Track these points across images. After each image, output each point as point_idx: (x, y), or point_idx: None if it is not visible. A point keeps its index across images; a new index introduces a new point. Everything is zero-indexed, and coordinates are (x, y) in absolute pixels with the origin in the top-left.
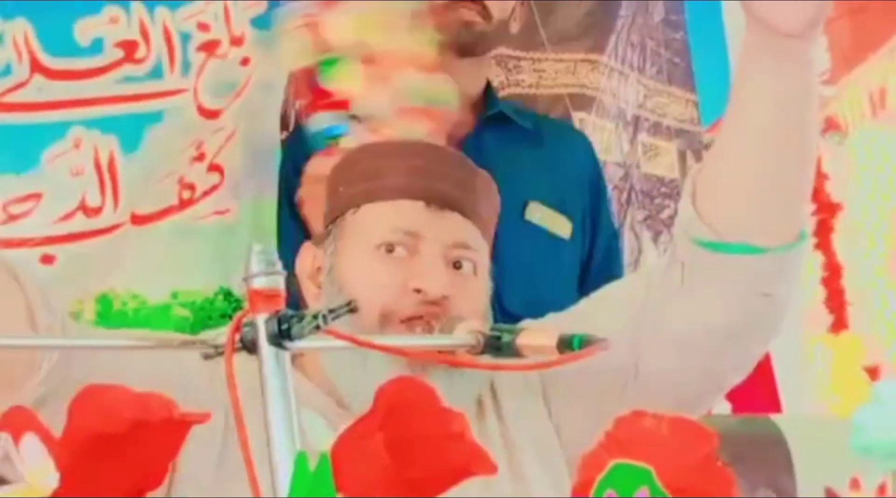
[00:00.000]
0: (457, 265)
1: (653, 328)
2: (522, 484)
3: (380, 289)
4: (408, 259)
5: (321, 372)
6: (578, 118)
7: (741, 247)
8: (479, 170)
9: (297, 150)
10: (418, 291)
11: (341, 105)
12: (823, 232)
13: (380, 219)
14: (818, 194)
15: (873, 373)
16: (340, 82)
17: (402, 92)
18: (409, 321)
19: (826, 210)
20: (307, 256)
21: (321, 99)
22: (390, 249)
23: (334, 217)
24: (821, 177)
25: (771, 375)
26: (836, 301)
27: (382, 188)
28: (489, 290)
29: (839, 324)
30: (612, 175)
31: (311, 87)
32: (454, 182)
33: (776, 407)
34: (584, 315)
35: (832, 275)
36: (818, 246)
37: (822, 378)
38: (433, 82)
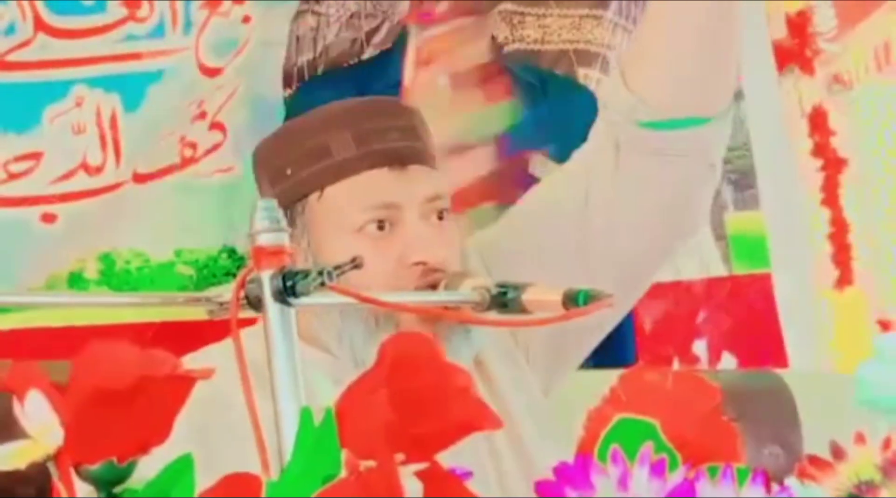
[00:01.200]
0: (440, 216)
1: (600, 218)
2: (520, 445)
3: (381, 270)
4: (394, 231)
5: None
6: (583, 74)
7: (690, 120)
8: (409, 106)
9: (299, 108)
10: (418, 263)
11: None
12: (830, 187)
13: (351, 198)
14: (824, 150)
15: (885, 326)
16: None
17: None
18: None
19: (833, 165)
20: None
21: None
22: (381, 226)
23: (292, 203)
24: (827, 131)
25: (778, 330)
26: (842, 257)
27: (339, 165)
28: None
29: (844, 279)
30: None
31: None
32: (403, 134)
33: (783, 362)
34: (532, 213)
35: (838, 230)
36: (825, 202)
37: (825, 334)
38: None
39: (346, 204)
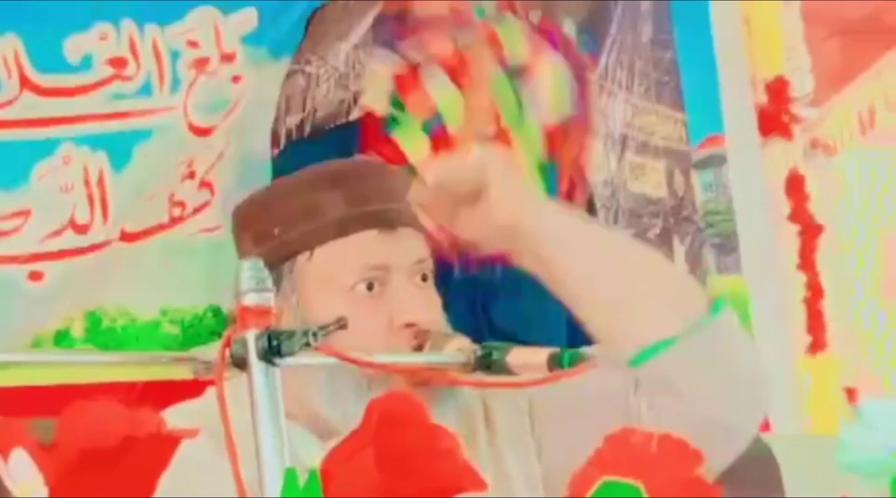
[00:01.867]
0: (424, 278)
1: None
2: None
3: (372, 331)
4: (384, 292)
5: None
6: None
7: (653, 348)
8: (393, 167)
9: (286, 167)
10: (409, 325)
11: (400, 159)
12: (807, 252)
13: (341, 259)
14: (801, 214)
15: (851, 394)
16: (407, 143)
17: None
18: None
19: (809, 231)
20: None
21: (385, 147)
22: (370, 286)
23: (279, 262)
24: (804, 196)
25: None
26: (815, 322)
27: (329, 226)
28: None
29: (817, 345)
30: (599, 194)
31: (378, 133)
32: (391, 196)
33: (765, 426)
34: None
35: (813, 295)
36: (801, 266)
37: (799, 399)
38: None
39: (337, 265)
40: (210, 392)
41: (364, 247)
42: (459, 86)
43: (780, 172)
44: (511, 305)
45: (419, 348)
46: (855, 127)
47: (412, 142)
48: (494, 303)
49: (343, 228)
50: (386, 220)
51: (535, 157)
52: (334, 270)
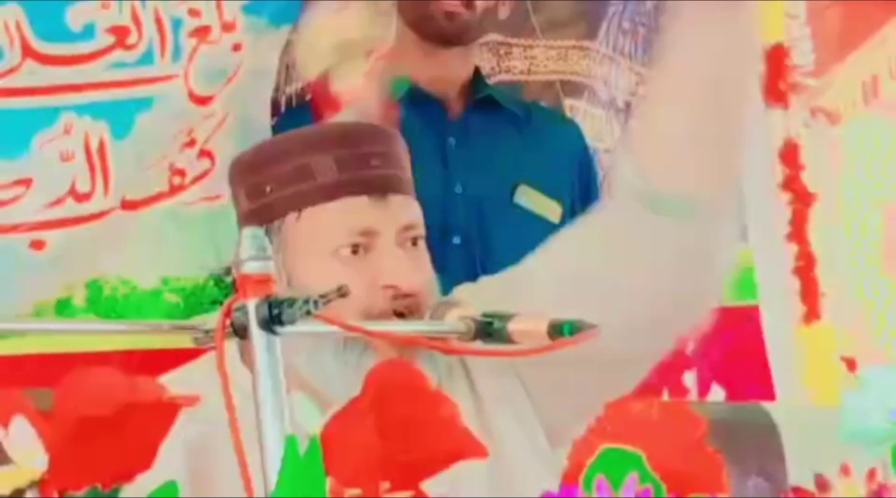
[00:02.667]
0: (414, 243)
1: (609, 280)
2: (503, 465)
3: (352, 294)
4: (369, 256)
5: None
6: (569, 105)
7: (685, 202)
8: (389, 130)
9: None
10: (389, 287)
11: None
12: (798, 222)
13: (329, 222)
14: (794, 184)
15: (850, 364)
16: (348, 82)
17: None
18: (387, 317)
19: (802, 200)
20: None
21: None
22: (355, 250)
23: (269, 220)
24: (798, 166)
25: (765, 363)
26: (809, 292)
27: (320, 189)
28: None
29: (812, 314)
30: (603, 162)
31: (328, 95)
32: (383, 161)
33: (770, 395)
34: (528, 277)
35: (806, 265)
36: (792, 237)
37: (799, 368)
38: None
39: (324, 227)
40: (206, 356)
41: (352, 212)
42: None
43: (775, 141)
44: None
45: (401, 313)
46: (858, 96)
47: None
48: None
49: (333, 192)
50: (377, 187)
51: None
52: (321, 233)
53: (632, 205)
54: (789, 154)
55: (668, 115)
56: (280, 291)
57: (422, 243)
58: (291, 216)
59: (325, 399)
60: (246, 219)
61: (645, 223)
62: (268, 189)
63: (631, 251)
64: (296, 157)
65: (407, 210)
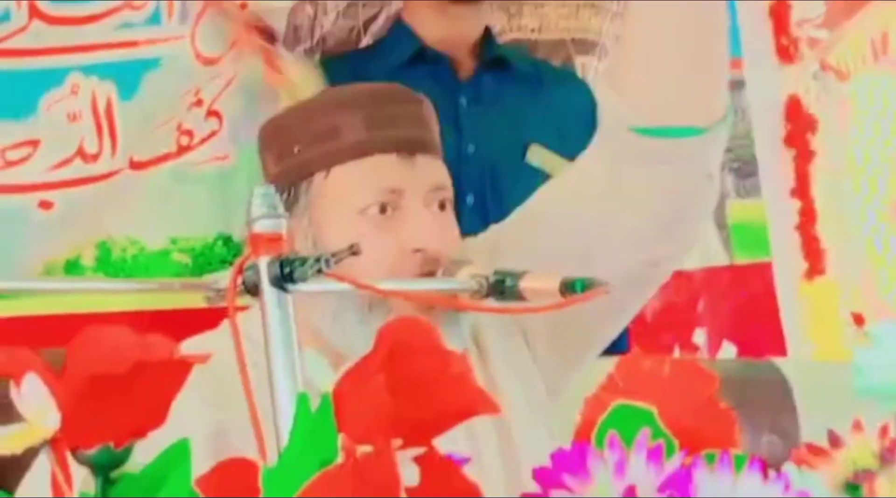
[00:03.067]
0: (442, 206)
1: (600, 226)
2: (509, 420)
3: (380, 254)
4: (396, 217)
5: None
6: (581, 63)
7: (686, 130)
8: (419, 96)
9: None
10: (418, 251)
11: None
12: (802, 178)
13: (356, 181)
14: (797, 139)
15: (858, 319)
16: None
17: None
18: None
19: (804, 156)
20: None
21: None
22: (383, 210)
23: (297, 180)
24: (802, 121)
25: (777, 319)
26: (811, 248)
27: (348, 147)
28: None
29: (814, 270)
30: None
31: None
32: (412, 122)
33: (781, 351)
34: (528, 222)
35: (807, 221)
36: (795, 192)
37: (802, 325)
38: None
39: (352, 185)
40: (225, 324)
41: (380, 170)
42: None
43: (781, 97)
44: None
45: (429, 276)
46: (868, 52)
47: None
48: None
49: (361, 150)
50: (405, 145)
51: None
52: (348, 191)
53: (615, 144)
54: (793, 109)
55: (647, 42)
56: (305, 250)
57: (450, 208)
58: (319, 175)
59: (339, 356)
60: (274, 182)
61: (627, 164)
62: (296, 149)
63: (616, 195)
64: (324, 117)
65: (435, 171)
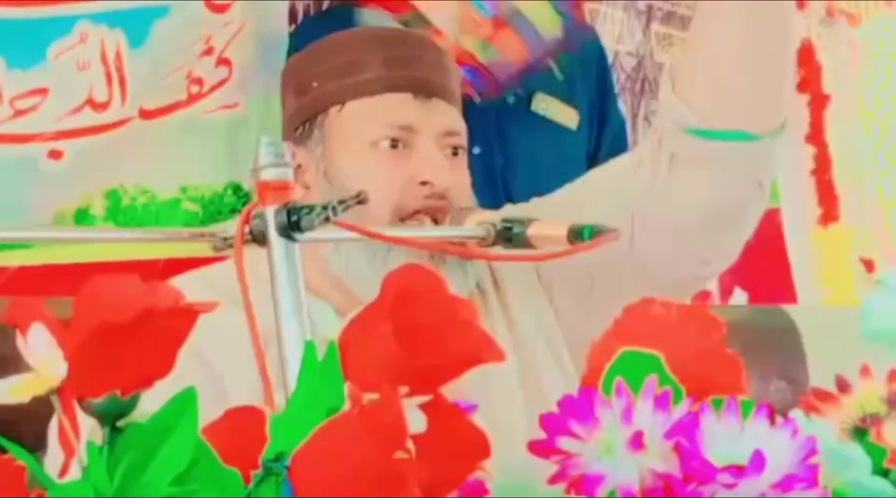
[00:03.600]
0: (454, 152)
1: (645, 215)
2: (530, 371)
3: (387, 186)
4: (407, 153)
5: (330, 282)
6: (590, 8)
7: (738, 134)
8: (443, 48)
9: (304, 43)
10: (425, 183)
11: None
12: (816, 123)
13: (370, 115)
14: (812, 85)
15: (868, 265)
16: None
17: None
18: (416, 214)
19: (818, 101)
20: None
21: None
22: (394, 144)
23: (313, 114)
24: (815, 67)
25: (787, 266)
26: (826, 193)
27: (365, 83)
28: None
29: (828, 216)
30: (624, 64)
31: None
32: (432, 68)
33: (792, 297)
34: (573, 202)
35: (822, 167)
36: (810, 138)
37: (813, 271)
38: None
39: (365, 119)
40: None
41: (395, 106)
42: None
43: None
44: (529, 181)
45: (434, 216)
46: None
47: None
48: (513, 179)
49: (377, 86)
50: (421, 87)
51: None
52: (361, 125)
53: (670, 143)
54: (806, 55)
55: (711, 45)
56: (316, 183)
57: (463, 155)
58: (334, 109)
59: (355, 299)
60: (291, 119)
61: (679, 164)
62: (314, 84)
63: (665, 192)
64: (344, 53)
65: (450, 116)
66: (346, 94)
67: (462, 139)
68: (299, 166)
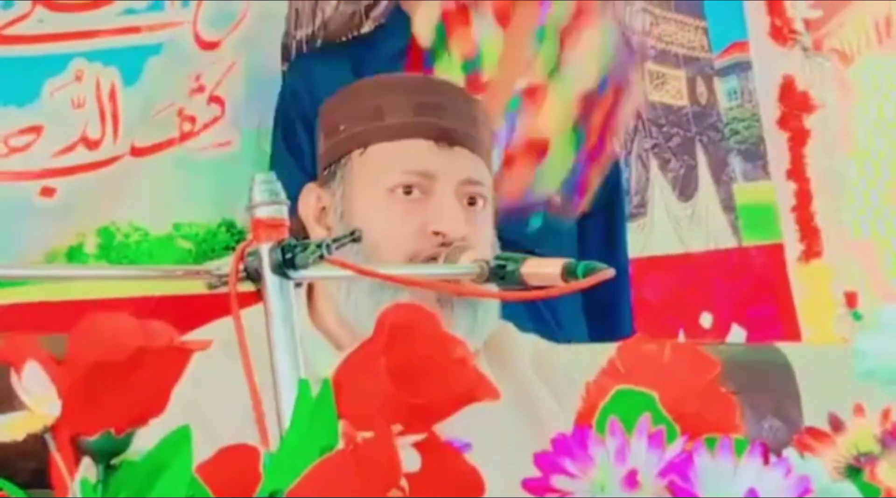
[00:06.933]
0: (471, 202)
1: None
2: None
3: (401, 233)
4: (423, 200)
5: (339, 322)
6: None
7: None
8: (476, 98)
9: (294, 80)
10: (437, 233)
11: None
12: (795, 160)
13: (391, 160)
14: (790, 121)
15: (851, 299)
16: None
17: None
18: (431, 261)
19: (798, 137)
20: (310, 197)
21: None
22: (408, 190)
23: (338, 157)
24: (796, 103)
25: (790, 302)
26: (807, 230)
27: (390, 127)
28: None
29: (810, 253)
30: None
31: (421, 64)
32: (459, 116)
33: (796, 335)
34: None
35: (802, 203)
36: (790, 175)
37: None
38: None
39: (385, 164)
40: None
41: (415, 153)
42: (503, 32)
43: (776, 79)
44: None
45: (433, 258)
46: (871, 35)
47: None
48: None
49: (399, 132)
50: (444, 135)
51: (566, 118)
52: (380, 170)
53: None
54: (788, 91)
55: None
56: (332, 224)
57: (483, 205)
58: (357, 152)
59: (345, 339)
60: (320, 161)
61: None
62: (341, 128)
63: None
64: (372, 97)
65: (472, 164)
66: (369, 138)
67: (484, 189)
68: (323, 208)
